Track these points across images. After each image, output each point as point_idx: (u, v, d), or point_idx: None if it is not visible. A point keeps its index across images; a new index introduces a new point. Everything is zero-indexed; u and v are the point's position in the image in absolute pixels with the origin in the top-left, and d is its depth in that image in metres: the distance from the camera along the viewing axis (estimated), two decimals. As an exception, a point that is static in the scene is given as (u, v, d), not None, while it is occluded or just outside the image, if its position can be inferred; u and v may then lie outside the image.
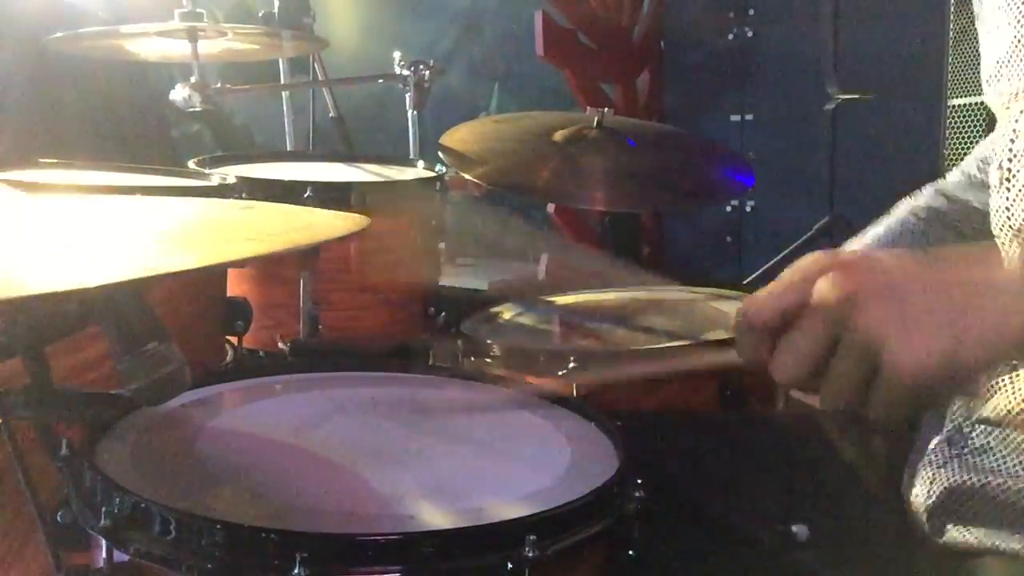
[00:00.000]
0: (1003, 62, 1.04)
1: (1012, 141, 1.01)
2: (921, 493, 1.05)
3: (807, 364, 0.77)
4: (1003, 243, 1.05)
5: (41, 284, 0.66)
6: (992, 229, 1.08)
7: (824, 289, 0.77)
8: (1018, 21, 1.02)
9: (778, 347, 0.79)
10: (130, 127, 3.25)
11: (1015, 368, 0.98)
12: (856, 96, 2.94)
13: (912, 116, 2.82)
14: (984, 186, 1.25)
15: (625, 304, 1.86)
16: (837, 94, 2.96)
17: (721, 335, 1.55)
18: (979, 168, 1.28)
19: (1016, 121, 1.00)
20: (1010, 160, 1.01)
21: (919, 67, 2.73)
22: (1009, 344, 0.76)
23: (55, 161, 1.70)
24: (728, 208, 3.45)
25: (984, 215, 1.23)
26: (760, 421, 1.47)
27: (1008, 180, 1.02)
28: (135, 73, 3.40)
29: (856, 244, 1.33)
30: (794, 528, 1.06)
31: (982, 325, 0.75)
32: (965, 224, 1.26)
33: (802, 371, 0.78)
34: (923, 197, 1.31)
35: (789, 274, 0.80)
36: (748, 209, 3.42)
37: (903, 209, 1.32)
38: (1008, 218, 1.02)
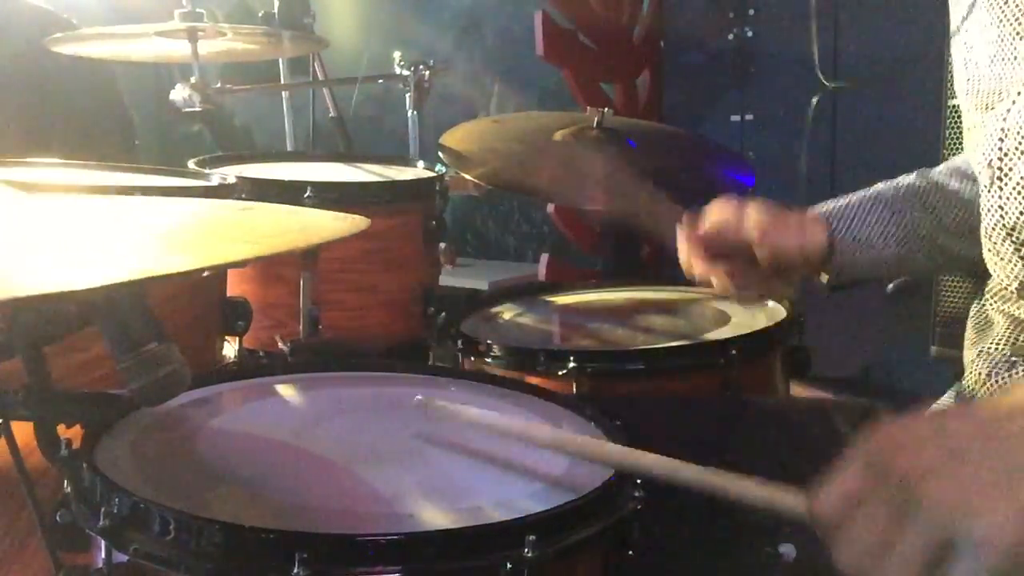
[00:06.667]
0: (987, 61, 1.04)
1: (1001, 140, 1.00)
2: None
3: (875, 549, 0.70)
4: (995, 243, 1.05)
5: (41, 284, 0.66)
6: (981, 231, 1.07)
7: (886, 466, 0.71)
8: (1000, 21, 1.01)
9: (842, 535, 0.72)
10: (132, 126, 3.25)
11: None
12: (843, 86, 2.95)
13: (912, 116, 2.82)
14: (968, 176, 1.25)
15: (625, 304, 1.86)
16: (826, 82, 2.98)
17: (721, 335, 1.55)
18: (965, 163, 1.28)
19: (1004, 120, 1.00)
20: (1000, 159, 1.01)
21: (919, 67, 2.73)
22: None
23: (55, 161, 1.70)
24: (728, 208, 3.45)
25: (965, 203, 1.23)
26: (763, 414, 1.47)
27: (1000, 179, 1.01)
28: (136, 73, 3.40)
29: (823, 207, 1.32)
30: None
31: None
32: (943, 210, 1.25)
33: (870, 558, 0.70)
34: (907, 177, 1.30)
35: (850, 459, 0.74)
36: (748, 209, 3.41)
37: (883, 183, 1.31)
38: (1001, 217, 1.02)
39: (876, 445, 0.73)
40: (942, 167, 1.30)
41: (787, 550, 1.02)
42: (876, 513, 0.70)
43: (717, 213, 1.27)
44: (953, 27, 1.14)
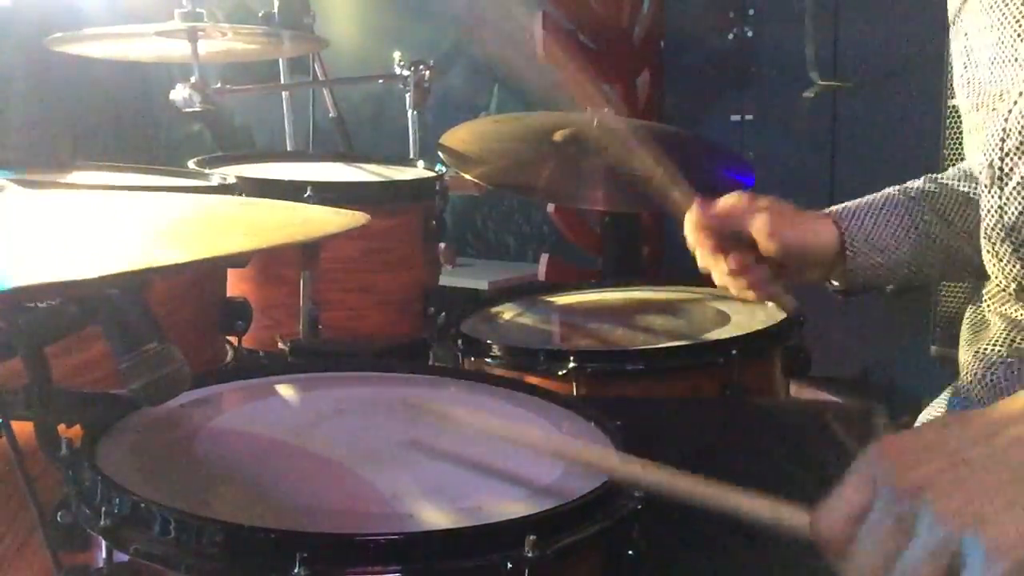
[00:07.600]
0: (987, 62, 1.04)
1: (1002, 140, 1.01)
2: None
3: (881, 565, 0.68)
4: (994, 244, 1.05)
5: (42, 276, 0.66)
6: (980, 232, 1.08)
7: (888, 479, 0.69)
8: (1000, 23, 1.02)
9: (846, 554, 0.71)
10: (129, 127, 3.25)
11: None
12: (837, 85, 2.97)
13: (912, 117, 2.82)
14: (976, 179, 1.25)
15: (625, 304, 1.86)
16: (819, 81, 3.00)
17: (721, 335, 1.55)
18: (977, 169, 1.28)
19: (1006, 120, 1.00)
20: (1001, 159, 1.01)
21: (919, 67, 2.73)
22: None
23: (55, 161, 1.70)
24: (728, 208, 3.45)
25: (975, 205, 1.23)
26: (764, 414, 1.47)
27: (1000, 179, 1.02)
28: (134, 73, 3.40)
29: (833, 208, 1.32)
30: None
31: None
32: (954, 213, 1.25)
33: (877, 574, 0.68)
34: (916, 182, 1.31)
35: (851, 475, 0.72)
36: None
37: (892, 188, 1.32)
38: (1000, 217, 1.02)
39: (876, 458, 0.71)
40: (951, 171, 1.30)
41: None
42: (880, 529, 0.68)
43: (729, 201, 1.27)
44: (951, 28, 1.15)
